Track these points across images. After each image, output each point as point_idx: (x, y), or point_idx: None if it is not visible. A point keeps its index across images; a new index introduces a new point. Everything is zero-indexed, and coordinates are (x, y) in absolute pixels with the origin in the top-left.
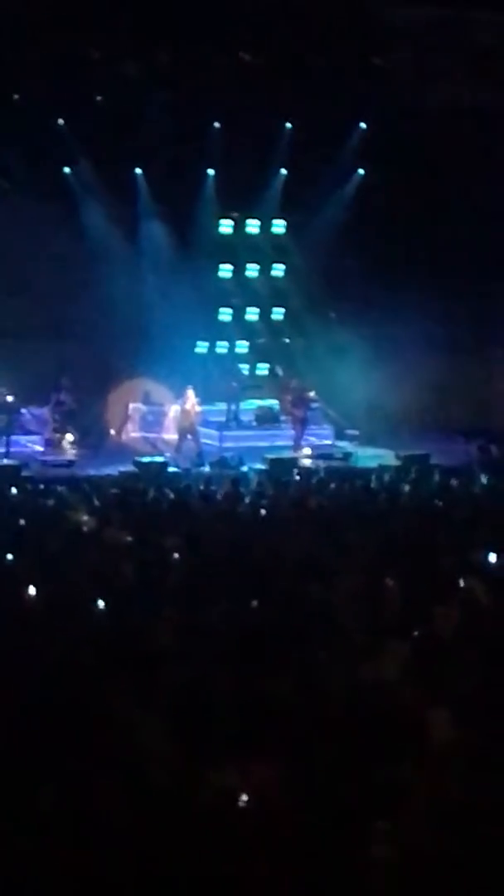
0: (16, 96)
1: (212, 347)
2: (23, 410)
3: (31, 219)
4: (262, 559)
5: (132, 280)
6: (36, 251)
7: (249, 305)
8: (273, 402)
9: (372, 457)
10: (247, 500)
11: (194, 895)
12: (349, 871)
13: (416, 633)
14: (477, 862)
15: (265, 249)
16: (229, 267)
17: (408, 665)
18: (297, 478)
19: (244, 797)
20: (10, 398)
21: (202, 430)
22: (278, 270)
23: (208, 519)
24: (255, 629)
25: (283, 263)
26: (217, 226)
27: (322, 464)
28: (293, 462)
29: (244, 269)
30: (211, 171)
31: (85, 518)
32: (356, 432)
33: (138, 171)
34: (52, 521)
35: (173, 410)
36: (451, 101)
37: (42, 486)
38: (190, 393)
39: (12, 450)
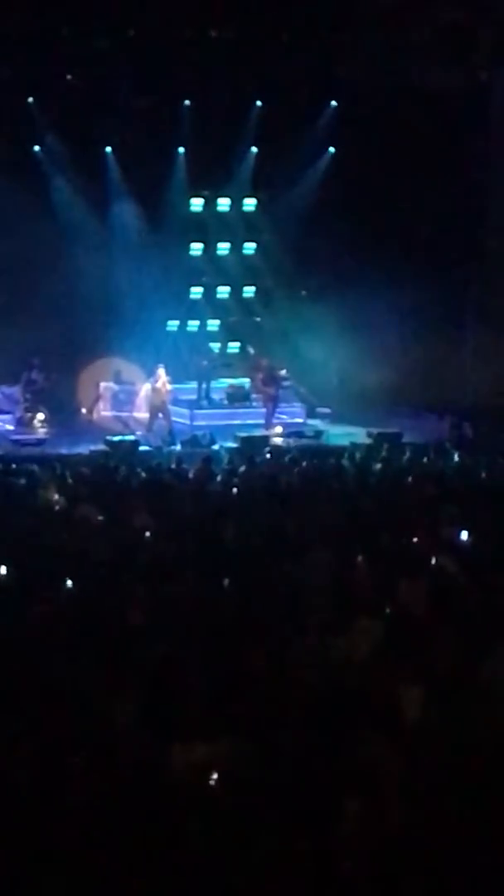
0: None
1: (183, 325)
2: None
3: (0, 197)
4: (233, 537)
5: (102, 258)
6: (5, 229)
7: (220, 283)
8: (244, 381)
9: (343, 435)
10: (218, 478)
11: (165, 871)
12: (320, 848)
13: (387, 611)
14: (447, 838)
15: (236, 227)
16: (200, 245)
17: (379, 642)
18: (269, 456)
19: (214, 775)
20: None
21: (173, 408)
22: (249, 248)
23: (179, 497)
24: (225, 607)
25: (255, 241)
26: (188, 204)
27: (293, 442)
28: (264, 440)
29: (215, 247)
30: (181, 149)
31: (56, 497)
32: (328, 410)
33: (108, 149)
34: (23, 499)
35: (144, 389)
36: (422, 80)
37: (13, 465)
38: (161, 371)
39: None
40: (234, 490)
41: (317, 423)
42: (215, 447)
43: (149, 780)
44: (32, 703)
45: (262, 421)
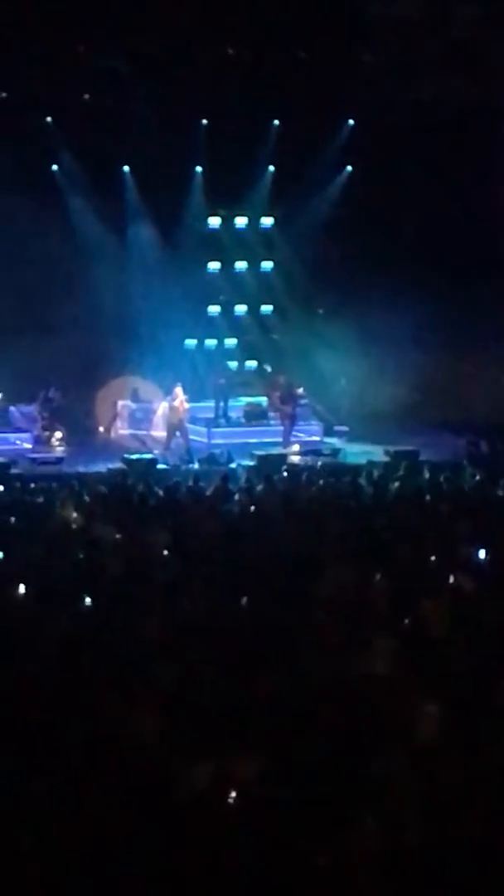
0: (3, 94)
1: (200, 344)
2: (11, 408)
3: (19, 216)
4: (251, 555)
5: (120, 277)
6: (23, 248)
7: (237, 302)
8: (262, 399)
9: (360, 453)
10: (236, 496)
11: (181, 886)
12: (334, 865)
13: (404, 629)
14: (463, 855)
15: (253, 245)
16: (217, 263)
17: (396, 660)
18: (286, 474)
19: (232, 793)
20: None
21: (191, 426)
22: (266, 266)
23: (197, 516)
24: (242, 625)
25: (272, 259)
26: (205, 222)
27: (311, 460)
28: (282, 458)
29: (232, 265)
30: (199, 168)
31: (73, 515)
32: (345, 428)
33: (126, 168)
34: (41, 518)
35: (162, 407)
36: (437, 97)
37: (31, 484)
38: (178, 390)
39: (2, 447)
40: (252, 508)
41: (334, 441)
42: (233, 465)
43: (166, 798)
44: (50, 721)
45: (279, 439)
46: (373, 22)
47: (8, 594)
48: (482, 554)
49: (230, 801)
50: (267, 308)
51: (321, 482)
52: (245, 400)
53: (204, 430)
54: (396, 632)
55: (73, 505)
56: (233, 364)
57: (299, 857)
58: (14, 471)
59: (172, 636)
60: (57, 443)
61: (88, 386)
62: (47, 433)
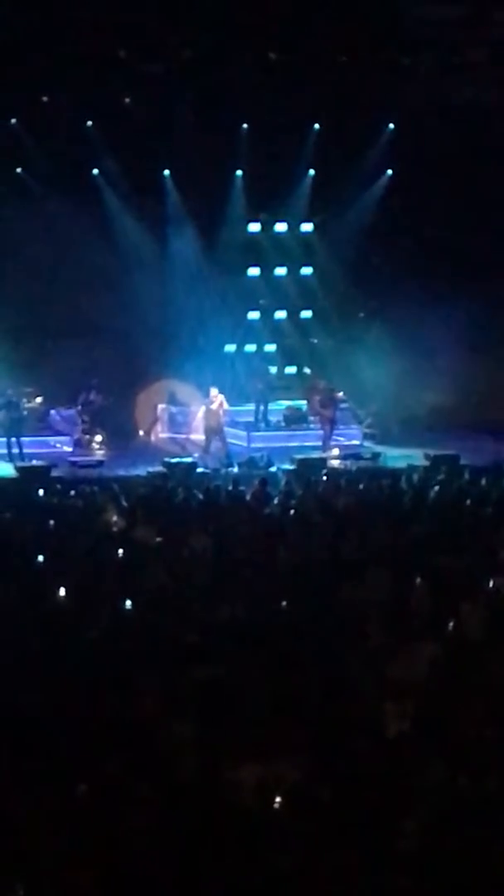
0: (45, 98)
1: (240, 348)
2: (51, 411)
3: (60, 220)
4: (291, 559)
5: (160, 281)
6: (64, 252)
7: (277, 307)
8: (301, 403)
9: (401, 457)
10: (275, 500)
11: (222, 889)
12: (375, 868)
13: (444, 633)
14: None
15: (293, 250)
16: (257, 268)
17: (436, 664)
18: (326, 478)
19: (275, 797)
20: (38, 399)
21: (231, 430)
22: (307, 271)
23: (237, 519)
24: (282, 629)
25: (312, 264)
26: (245, 227)
27: (351, 464)
28: (322, 462)
29: (272, 269)
30: (239, 172)
31: (114, 518)
32: (373, 431)
33: (166, 172)
34: (82, 521)
35: (201, 411)
36: (478, 100)
37: (71, 487)
38: (214, 392)
39: (43, 450)
40: (292, 512)
41: (373, 445)
42: (272, 469)
43: (207, 801)
44: (91, 724)
45: (319, 443)
46: (413, 25)
47: (49, 597)
48: None
49: (272, 804)
50: (307, 313)
51: (361, 486)
52: (285, 404)
53: (244, 433)
54: (437, 636)
55: (113, 508)
56: (273, 368)
57: (340, 860)
58: (54, 474)
59: (212, 640)
60: (97, 446)
61: (129, 390)
62: (87, 436)
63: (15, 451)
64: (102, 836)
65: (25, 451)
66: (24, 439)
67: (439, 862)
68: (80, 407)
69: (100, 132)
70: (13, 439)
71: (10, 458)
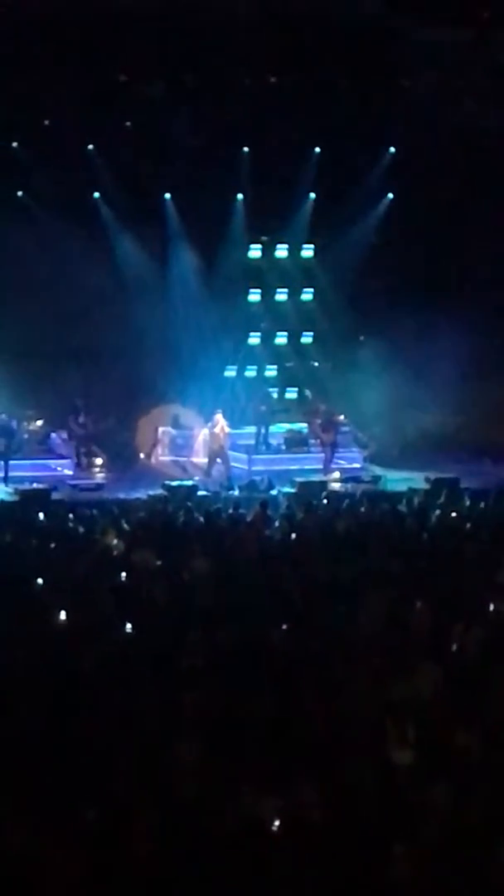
0: (45, 121)
1: (241, 372)
2: (52, 434)
3: (60, 243)
4: (292, 582)
5: (161, 304)
6: (65, 275)
7: (278, 330)
8: (302, 426)
9: (401, 480)
10: (276, 523)
11: None
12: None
13: (445, 656)
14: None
15: (294, 274)
16: (258, 291)
17: (437, 687)
18: (327, 501)
19: (275, 820)
20: (39, 422)
21: (232, 453)
22: (307, 295)
23: (237, 542)
24: (283, 652)
25: (312, 287)
26: (246, 250)
27: (351, 487)
28: (322, 485)
29: (273, 293)
30: (240, 196)
31: (114, 541)
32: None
33: (167, 195)
34: (82, 544)
35: (202, 434)
36: (479, 123)
37: (72, 510)
38: (219, 416)
39: (43, 473)
40: (292, 535)
41: (375, 468)
42: (273, 492)
43: (209, 824)
44: (93, 748)
45: (320, 466)
46: (413, 48)
47: (49, 620)
48: None
49: (272, 828)
50: (308, 336)
51: (362, 509)
52: (286, 427)
53: (245, 456)
54: (438, 659)
55: (113, 531)
56: (273, 391)
57: (340, 883)
58: (55, 497)
59: (213, 664)
60: (97, 469)
61: (129, 412)
62: (87, 459)
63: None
64: (106, 861)
65: (24, 474)
66: (24, 462)
67: (439, 887)
68: (71, 429)
69: (101, 155)
70: (1, 462)
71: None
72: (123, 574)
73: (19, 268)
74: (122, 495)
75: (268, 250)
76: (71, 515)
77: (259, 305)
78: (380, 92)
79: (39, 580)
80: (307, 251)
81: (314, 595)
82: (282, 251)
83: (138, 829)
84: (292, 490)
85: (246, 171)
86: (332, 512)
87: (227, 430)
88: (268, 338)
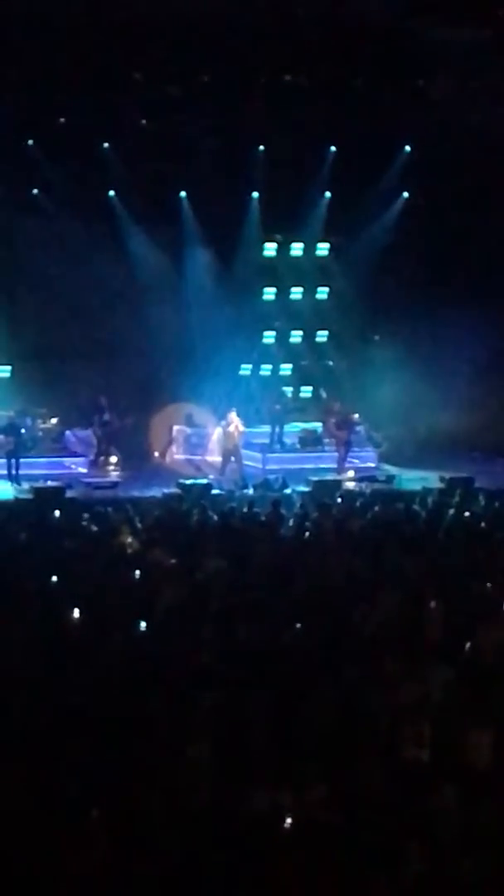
0: (61, 119)
1: (256, 370)
2: (67, 432)
3: (76, 241)
4: (306, 581)
5: (176, 303)
6: (80, 273)
7: (293, 328)
8: (317, 425)
9: (415, 479)
10: (290, 522)
11: None
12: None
13: (459, 657)
14: None
15: (309, 272)
16: (273, 290)
17: (451, 688)
18: (341, 500)
19: (286, 818)
20: (53, 420)
21: (246, 452)
22: (322, 293)
23: (251, 541)
24: (297, 651)
25: (327, 286)
26: (261, 249)
27: (365, 486)
28: (337, 484)
29: (288, 291)
30: (255, 195)
31: (129, 540)
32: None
33: (182, 194)
34: (96, 543)
35: (216, 432)
36: (494, 123)
37: (86, 509)
38: (233, 415)
39: (57, 471)
40: (307, 534)
41: (390, 467)
42: (287, 491)
43: (220, 824)
44: (105, 746)
45: (334, 465)
46: (430, 48)
47: (63, 618)
48: None
49: (283, 827)
50: (322, 334)
51: (376, 508)
52: (300, 426)
53: (259, 455)
54: (451, 659)
55: (128, 530)
56: (288, 390)
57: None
58: (69, 495)
59: (226, 663)
60: (112, 467)
61: (144, 411)
62: (102, 458)
63: (13, 472)
64: (117, 860)
65: (38, 472)
66: (39, 460)
67: (450, 887)
68: (96, 428)
69: (116, 154)
70: (13, 461)
71: (10, 479)
72: (137, 572)
73: (34, 266)
74: (136, 494)
75: (283, 248)
76: (85, 514)
77: (274, 303)
78: (395, 92)
79: (54, 578)
80: (322, 250)
81: (328, 594)
82: (297, 249)
83: (151, 827)
84: (307, 489)
85: (261, 170)
86: (346, 511)
87: (242, 428)
88: (283, 336)
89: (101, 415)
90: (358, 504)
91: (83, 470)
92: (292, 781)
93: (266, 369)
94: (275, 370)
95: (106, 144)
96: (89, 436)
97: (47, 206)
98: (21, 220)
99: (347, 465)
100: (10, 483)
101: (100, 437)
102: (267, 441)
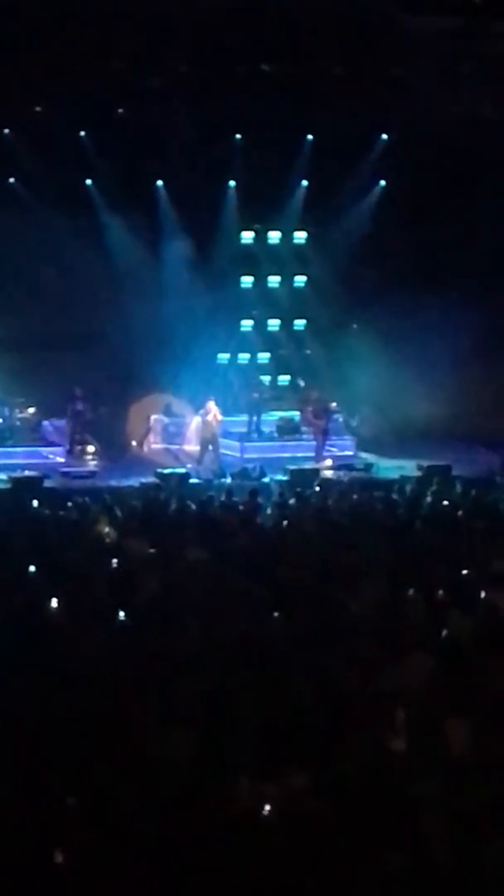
0: (38, 108)
1: (233, 358)
2: (44, 422)
3: (53, 230)
4: (284, 570)
5: (154, 290)
6: (57, 263)
7: (271, 316)
8: (294, 413)
9: (393, 467)
10: (268, 511)
11: None
12: (368, 880)
13: (437, 644)
14: (491, 870)
15: (287, 260)
16: (250, 278)
17: (430, 675)
18: (319, 489)
19: (266, 807)
20: (31, 410)
21: (224, 440)
22: (300, 281)
23: (230, 530)
24: (276, 640)
25: (305, 274)
26: (238, 237)
27: (343, 475)
28: (315, 473)
29: (266, 280)
30: (232, 183)
31: (107, 530)
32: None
33: (160, 182)
34: (74, 532)
35: (195, 422)
36: (473, 112)
37: (64, 498)
38: (211, 404)
39: (35, 461)
40: (285, 523)
41: (367, 455)
42: (265, 480)
43: (200, 814)
44: (84, 736)
45: (312, 454)
46: (407, 37)
47: (42, 608)
48: None
49: (264, 817)
50: (300, 323)
51: (354, 497)
52: (278, 414)
53: (237, 444)
54: (429, 647)
55: (106, 519)
56: (266, 378)
57: (333, 872)
58: (47, 484)
59: (206, 652)
60: (89, 457)
61: (121, 400)
62: (80, 447)
63: None
64: (95, 850)
65: (16, 461)
66: (16, 449)
67: (433, 876)
68: (69, 418)
69: (93, 143)
70: None
71: None
72: (116, 562)
73: (10, 255)
74: (114, 483)
75: (260, 237)
76: (68, 503)
77: (252, 291)
78: (373, 80)
79: (32, 567)
80: (300, 238)
81: (307, 583)
82: (274, 238)
83: (131, 818)
84: (285, 478)
85: (238, 159)
86: (324, 499)
87: (220, 417)
88: (260, 324)
89: (75, 405)
90: (336, 493)
91: (61, 459)
92: (275, 771)
93: (244, 358)
94: (253, 358)
95: (83, 133)
96: (65, 426)
97: (24, 194)
98: None
99: (325, 453)
100: None
101: (73, 428)
102: (245, 430)
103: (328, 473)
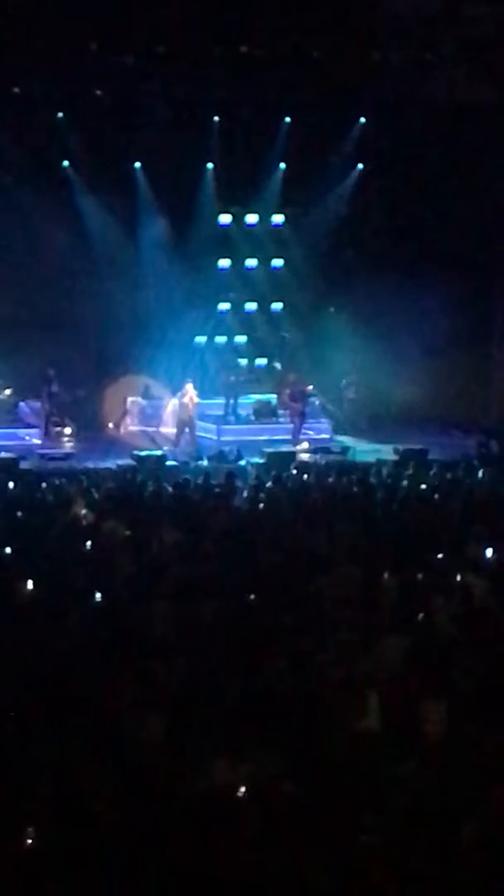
0: (15, 89)
1: (210, 340)
2: (21, 403)
3: (29, 211)
4: (260, 553)
5: (131, 273)
6: (34, 244)
7: (248, 299)
8: (271, 396)
9: (370, 451)
10: (245, 493)
11: (189, 885)
12: (341, 862)
13: (413, 628)
14: (466, 855)
15: (264, 243)
16: (228, 260)
17: (405, 659)
18: (295, 472)
19: (240, 789)
20: (7, 391)
21: (200, 423)
22: (277, 264)
23: (206, 513)
24: (251, 623)
25: (283, 257)
26: (216, 219)
27: (320, 458)
28: (291, 456)
29: (243, 262)
30: (210, 165)
31: (83, 511)
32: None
33: (137, 164)
34: (50, 514)
35: (172, 404)
36: (451, 96)
37: (40, 480)
38: (189, 386)
39: (11, 443)
40: (261, 506)
41: (344, 439)
42: (242, 463)
43: (174, 796)
44: (58, 718)
45: (288, 436)
46: (385, 20)
47: (17, 590)
48: (490, 553)
49: (237, 799)
50: (277, 305)
51: (330, 480)
52: (255, 397)
53: (213, 427)
54: (405, 630)
55: (82, 501)
56: (243, 361)
57: (307, 854)
58: (23, 466)
59: (181, 634)
60: (66, 438)
61: (98, 382)
62: (56, 429)
63: None
64: (65, 832)
65: None
66: None
67: (407, 857)
68: (44, 400)
69: (70, 124)
70: None
71: None
72: (92, 544)
73: None
74: (90, 465)
75: (238, 219)
76: (43, 484)
77: (229, 274)
78: (351, 63)
79: (7, 549)
80: (278, 219)
81: (283, 566)
82: (252, 219)
83: (103, 799)
84: (261, 461)
85: (216, 141)
86: (300, 482)
87: (196, 399)
88: (238, 306)
89: (49, 386)
90: (312, 476)
91: (37, 441)
92: (249, 753)
93: (221, 340)
94: (230, 341)
95: (60, 114)
96: (41, 407)
97: (0, 176)
98: None
99: (302, 436)
100: None
101: (48, 410)
102: (221, 412)
103: (305, 456)
